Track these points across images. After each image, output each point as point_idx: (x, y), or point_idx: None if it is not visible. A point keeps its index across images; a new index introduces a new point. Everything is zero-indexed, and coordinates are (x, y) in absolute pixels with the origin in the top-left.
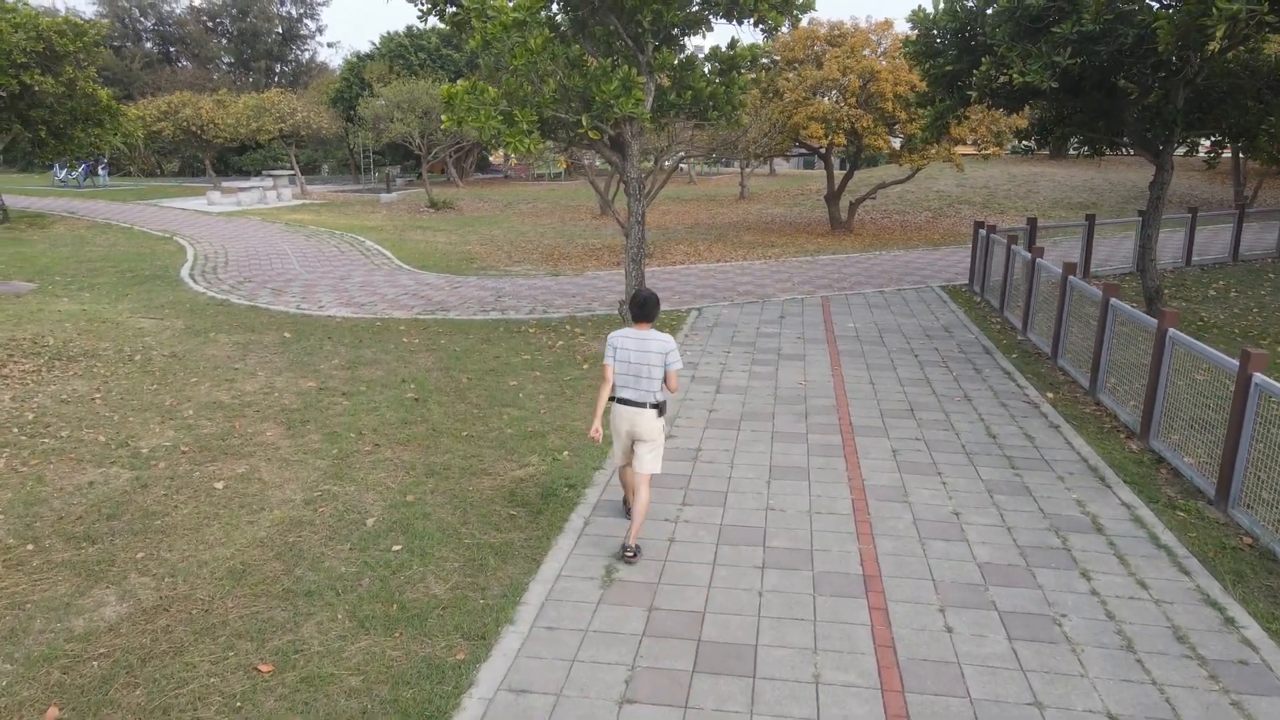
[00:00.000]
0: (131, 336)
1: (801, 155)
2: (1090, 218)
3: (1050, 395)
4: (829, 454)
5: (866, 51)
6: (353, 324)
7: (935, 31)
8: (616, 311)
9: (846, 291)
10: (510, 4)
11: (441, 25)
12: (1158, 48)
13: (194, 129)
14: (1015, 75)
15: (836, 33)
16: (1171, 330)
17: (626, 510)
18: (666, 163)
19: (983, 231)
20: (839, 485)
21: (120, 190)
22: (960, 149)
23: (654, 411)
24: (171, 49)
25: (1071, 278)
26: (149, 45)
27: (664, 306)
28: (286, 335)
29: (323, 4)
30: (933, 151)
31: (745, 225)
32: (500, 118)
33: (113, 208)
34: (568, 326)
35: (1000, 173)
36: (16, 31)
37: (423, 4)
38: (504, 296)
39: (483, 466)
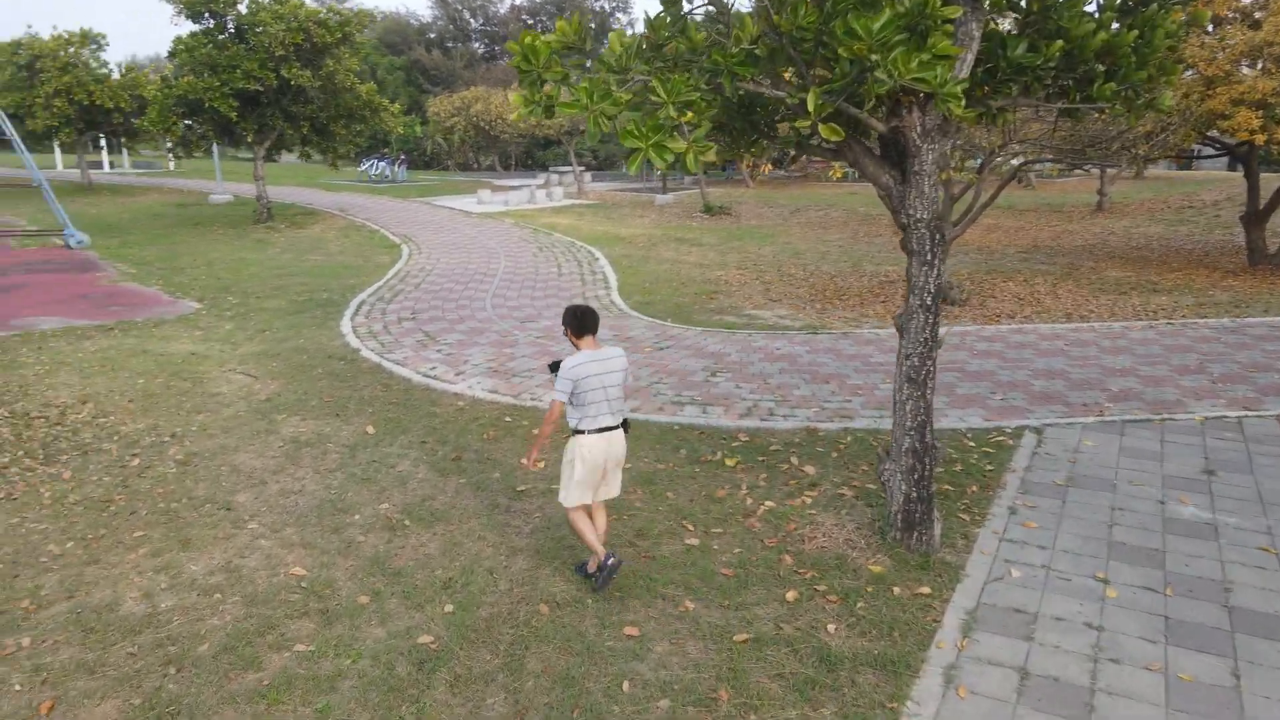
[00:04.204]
0: (188, 411)
1: (1210, 155)
2: None
3: None
4: None
5: None
6: (474, 415)
7: None
8: (878, 454)
9: None
10: None
11: None
12: None
13: (483, 124)
14: None
15: None
16: None
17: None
18: (1000, 165)
19: None
20: None
21: (412, 186)
22: None
23: (623, 427)
24: (496, 48)
25: None
26: (476, 45)
27: (976, 413)
28: (369, 431)
29: None
30: None
31: (1107, 253)
32: (626, 98)
33: (387, 205)
34: (793, 459)
35: None
36: (277, 22)
37: None
38: (722, 372)
39: None
